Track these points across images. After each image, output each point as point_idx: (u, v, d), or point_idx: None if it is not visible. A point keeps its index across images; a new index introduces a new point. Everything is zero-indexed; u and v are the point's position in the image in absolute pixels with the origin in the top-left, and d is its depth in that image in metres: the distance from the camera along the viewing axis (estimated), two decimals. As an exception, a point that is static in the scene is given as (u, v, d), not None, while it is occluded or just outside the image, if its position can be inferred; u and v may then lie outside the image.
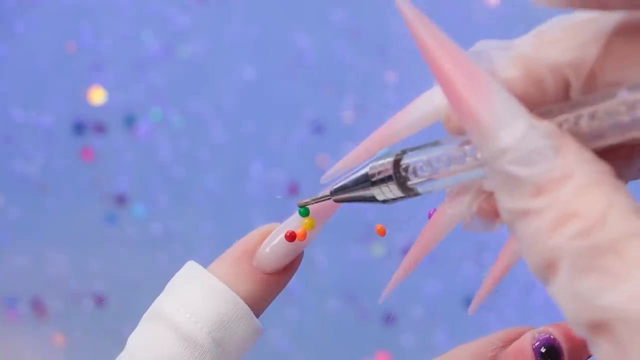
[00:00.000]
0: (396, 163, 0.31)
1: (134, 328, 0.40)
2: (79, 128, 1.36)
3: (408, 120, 0.30)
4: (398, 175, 0.30)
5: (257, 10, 1.39)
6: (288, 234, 0.39)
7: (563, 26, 0.27)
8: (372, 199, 0.32)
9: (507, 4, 1.31)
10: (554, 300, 0.24)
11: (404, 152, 0.31)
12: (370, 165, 0.32)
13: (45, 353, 1.32)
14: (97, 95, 1.37)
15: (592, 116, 0.25)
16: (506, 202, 0.25)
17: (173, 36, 1.39)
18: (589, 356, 0.38)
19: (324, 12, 1.37)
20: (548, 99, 0.27)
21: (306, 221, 0.39)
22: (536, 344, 0.38)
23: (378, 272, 1.31)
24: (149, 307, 0.40)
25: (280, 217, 0.41)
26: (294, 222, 0.40)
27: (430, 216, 0.38)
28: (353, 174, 0.33)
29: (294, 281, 0.41)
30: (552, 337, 0.38)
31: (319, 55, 1.37)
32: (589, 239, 0.23)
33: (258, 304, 0.40)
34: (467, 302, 1.29)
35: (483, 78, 0.26)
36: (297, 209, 0.39)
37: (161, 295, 0.40)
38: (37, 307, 1.33)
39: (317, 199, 0.38)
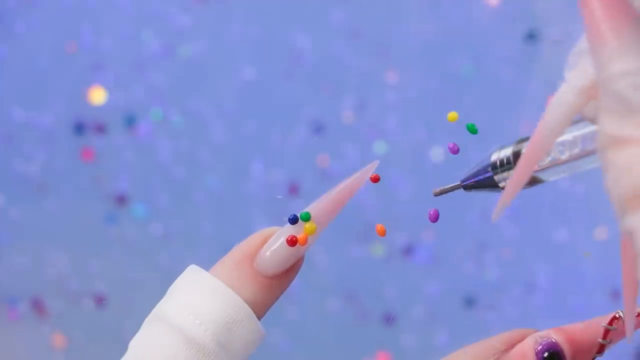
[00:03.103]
0: (517, 152, 0.32)
1: (134, 328, 0.40)
2: (79, 128, 1.36)
3: (550, 127, 0.29)
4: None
5: (257, 10, 1.39)
6: (290, 239, 0.39)
7: None
8: (498, 186, 0.34)
9: (507, 4, 1.31)
10: (632, 230, 0.24)
11: (523, 140, 0.32)
12: (493, 155, 0.33)
13: (45, 353, 1.32)
14: (97, 95, 1.37)
15: None
16: (609, 126, 0.25)
17: (173, 36, 1.39)
18: None
19: (324, 12, 1.37)
20: None
21: (308, 226, 0.39)
22: (538, 349, 0.38)
23: (378, 272, 1.31)
24: (149, 307, 0.40)
25: (281, 217, 0.41)
26: (296, 227, 0.40)
27: (430, 216, 0.38)
28: (480, 163, 0.35)
29: (293, 281, 0.41)
30: (554, 341, 0.38)
31: (319, 55, 1.37)
32: None
33: (259, 308, 0.40)
34: (468, 302, 1.29)
35: (624, 8, 0.26)
36: (298, 211, 0.39)
37: (163, 299, 0.40)
38: (37, 307, 1.33)
39: (450, 188, 0.39)
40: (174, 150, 1.37)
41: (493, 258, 1.30)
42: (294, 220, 0.39)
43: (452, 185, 0.38)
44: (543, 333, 0.38)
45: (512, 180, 0.29)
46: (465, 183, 0.36)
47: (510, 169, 0.32)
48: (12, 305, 1.33)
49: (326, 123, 1.36)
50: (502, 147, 0.33)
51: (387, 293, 1.32)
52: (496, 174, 0.33)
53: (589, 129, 0.30)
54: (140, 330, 0.39)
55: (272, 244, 0.40)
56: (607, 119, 0.26)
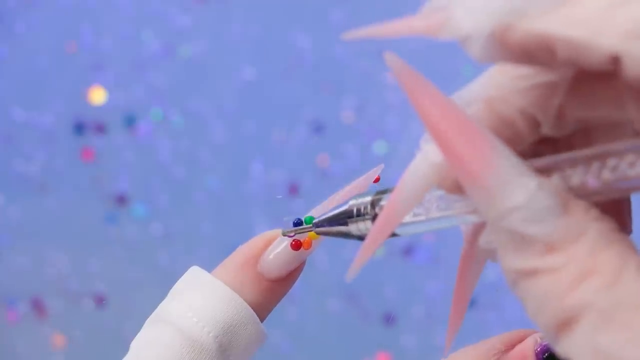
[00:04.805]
0: (375, 202, 0.31)
1: (134, 328, 0.40)
2: (79, 128, 1.36)
3: (404, 198, 0.27)
4: (376, 215, 0.30)
5: (257, 10, 1.39)
6: (294, 243, 0.39)
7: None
8: (350, 235, 0.32)
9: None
10: (569, 356, 0.23)
11: (383, 192, 0.31)
12: (350, 202, 0.32)
13: (45, 353, 1.32)
14: (97, 95, 1.37)
15: (614, 169, 0.24)
16: (512, 261, 0.24)
17: (173, 36, 1.39)
18: None
19: (324, 12, 1.37)
20: (521, 138, 0.27)
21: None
22: (538, 349, 0.38)
23: (378, 272, 1.31)
24: (149, 307, 0.40)
25: (280, 217, 0.41)
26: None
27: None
28: (335, 209, 0.33)
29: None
30: None
31: (319, 55, 1.37)
32: (610, 295, 0.23)
33: (261, 310, 0.40)
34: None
35: (484, 137, 0.25)
36: (298, 211, 0.39)
37: (165, 300, 0.40)
38: (37, 307, 1.33)
39: (301, 229, 0.38)
40: (174, 150, 1.37)
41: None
42: (298, 224, 0.39)
43: (304, 227, 0.38)
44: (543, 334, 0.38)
45: (366, 246, 0.27)
46: (318, 229, 0.35)
47: (366, 220, 0.31)
48: (12, 306, 1.33)
49: (326, 123, 1.36)
50: (359, 197, 0.31)
51: (387, 293, 1.32)
52: (351, 223, 0.32)
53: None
54: (141, 331, 0.39)
55: (275, 247, 0.40)
56: (507, 255, 0.24)
